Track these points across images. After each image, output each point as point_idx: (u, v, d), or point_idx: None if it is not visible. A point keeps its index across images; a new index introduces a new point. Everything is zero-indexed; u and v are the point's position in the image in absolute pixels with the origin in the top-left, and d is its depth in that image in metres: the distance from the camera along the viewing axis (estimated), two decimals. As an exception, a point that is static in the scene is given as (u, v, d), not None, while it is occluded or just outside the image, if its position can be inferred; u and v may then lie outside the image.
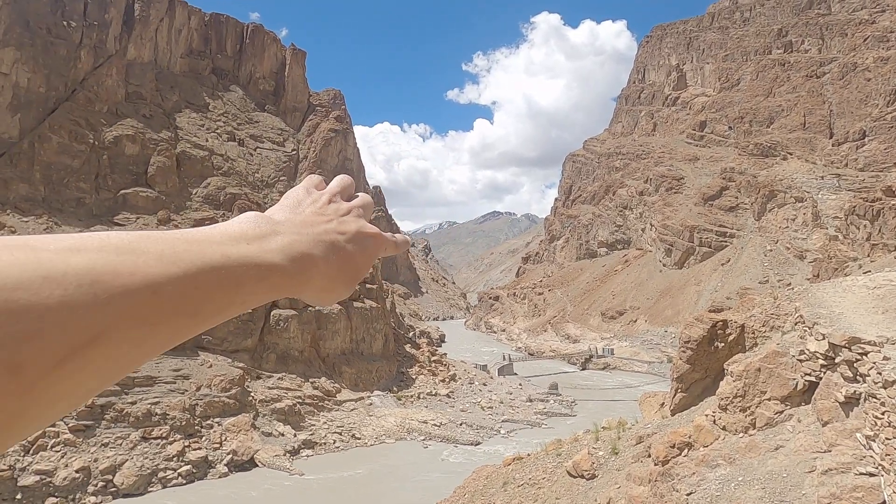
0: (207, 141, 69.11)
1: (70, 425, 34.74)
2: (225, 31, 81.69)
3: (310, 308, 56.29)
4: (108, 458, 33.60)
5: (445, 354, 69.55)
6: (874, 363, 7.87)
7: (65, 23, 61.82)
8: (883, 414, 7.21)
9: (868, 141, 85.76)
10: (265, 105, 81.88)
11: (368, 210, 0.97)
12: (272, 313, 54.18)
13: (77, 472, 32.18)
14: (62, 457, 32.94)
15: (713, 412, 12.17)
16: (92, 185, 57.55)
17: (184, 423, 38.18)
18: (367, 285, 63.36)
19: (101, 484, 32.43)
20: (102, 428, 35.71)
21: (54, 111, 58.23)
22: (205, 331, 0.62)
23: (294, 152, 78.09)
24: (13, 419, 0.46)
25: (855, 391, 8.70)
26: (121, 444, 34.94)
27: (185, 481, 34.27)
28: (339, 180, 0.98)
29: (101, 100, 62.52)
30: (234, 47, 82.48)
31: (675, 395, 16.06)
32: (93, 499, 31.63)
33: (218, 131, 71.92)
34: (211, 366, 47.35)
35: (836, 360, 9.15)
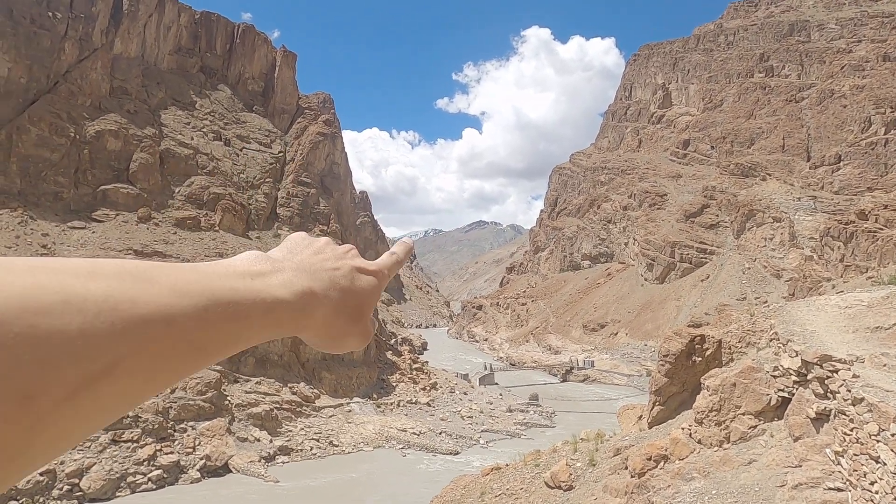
0: (193, 139, 68.19)
1: (36, 426, 33.65)
2: (215, 30, 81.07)
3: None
4: (74, 460, 32.55)
5: (427, 362, 69.24)
6: (844, 381, 8.09)
7: (50, 14, 60.68)
8: (851, 430, 7.40)
9: (843, 165, 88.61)
10: (253, 106, 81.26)
11: (405, 255, 0.99)
12: (252, 316, 53.39)
13: (41, 475, 31.08)
14: (26, 459, 31.82)
15: (689, 425, 12.34)
16: (71, 179, 56.25)
17: (156, 426, 37.22)
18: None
19: (66, 488, 31.37)
20: (70, 429, 34.64)
21: (35, 102, 56.94)
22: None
23: (281, 154, 77.51)
24: (17, 454, 0.43)
25: (825, 407, 8.92)
26: (89, 447, 33.88)
27: (155, 486, 33.35)
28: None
29: (85, 93, 61.36)
30: (223, 46, 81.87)
31: (652, 407, 16.24)
32: (57, 503, 30.58)
33: (204, 130, 71.04)
34: (187, 368, 46.39)
35: (808, 377, 9.37)
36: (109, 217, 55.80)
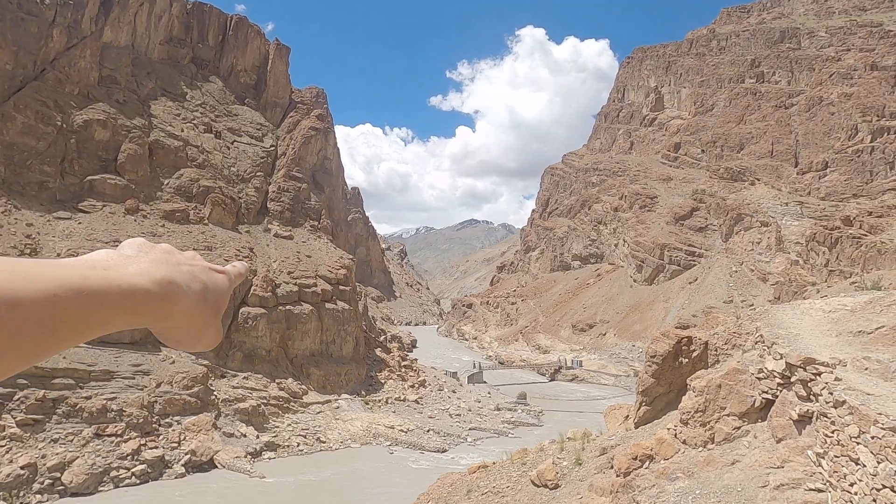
0: (183, 131, 67.34)
1: (18, 419, 33.10)
2: (208, 21, 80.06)
3: (280, 307, 55.29)
4: (57, 454, 32.10)
5: (416, 360, 69.23)
6: (826, 383, 8.22)
7: (38, 0, 59.56)
8: (833, 433, 7.52)
9: (830, 172, 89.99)
10: (245, 98, 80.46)
11: (244, 271, 1.02)
12: (241, 311, 52.98)
13: (22, 468, 30.60)
14: (7, 452, 31.30)
15: (675, 426, 12.47)
16: (57, 169, 55.29)
17: (141, 420, 36.82)
18: (341, 287, 62.70)
19: (47, 482, 30.92)
20: (53, 423, 34.12)
21: (21, 90, 55.85)
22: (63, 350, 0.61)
23: (272, 148, 76.85)
24: None
25: (808, 410, 9.06)
26: (72, 441, 33.43)
27: (138, 481, 33.00)
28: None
29: (73, 81, 60.30)
30: (216, 38, 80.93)
31: (639, 408, 16.38)
32: (38, 497, 30.13)
33: (194, 122, 70.19)
34: (174, 362, 45.91)
35: (792, 380, 9.51)
36: (96, 208, 54.96)
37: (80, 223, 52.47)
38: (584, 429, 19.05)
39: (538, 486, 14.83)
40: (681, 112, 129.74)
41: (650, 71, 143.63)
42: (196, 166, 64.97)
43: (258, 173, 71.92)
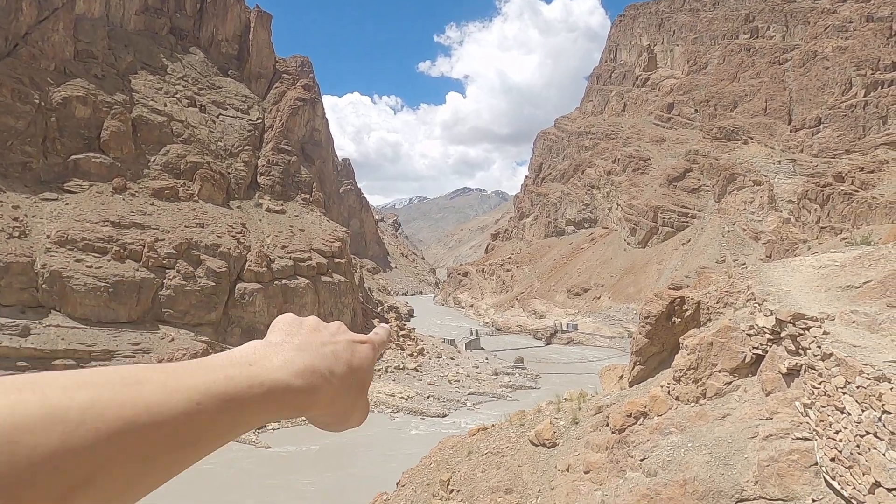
0: (166, 106, 65.61)
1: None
2: (184, -12, 76.90)
3: (276, 281, 55.36)
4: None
5: (414, 329, 70.09)
6: (815, 337, 8.42)
7: (3, -30, 56.71)
8: (820, 384, 7.76)
9: (823, 128, 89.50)
10: (228, 70, 78.13)
11: (387, 336, 0.97)
12: (237, 287, 53.05)
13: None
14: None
15: (668, 383, 12.81)
16: (39, 149, 54.01)
17: (145, 397, 37.35)
18: (336, 259, 62.72)
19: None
20: (57, 403, 34.56)
21: (-6, 67, 53.86)
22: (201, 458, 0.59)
23: (259, 121, 75.20)
24: None
25: (797, 363, 9.31)
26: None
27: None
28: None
29: (47, 56, 58.20)
30: (193, 6, 77.86)
31: (633, 367, 16.77)
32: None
33: (177, 96, 68.30)
34: (173, 339, 46.23)
35: (782, 335, 9.73)
36: (83, 188, 54.05)
37: (67, 204, 51.68)
38: (580, 389, 19.53)
39: (536, 445, 15.31)
40: (674, 71, 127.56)
41: (643, 29, 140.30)
42: (182, 142, 63.67)
43: (246, 147, 70.65)
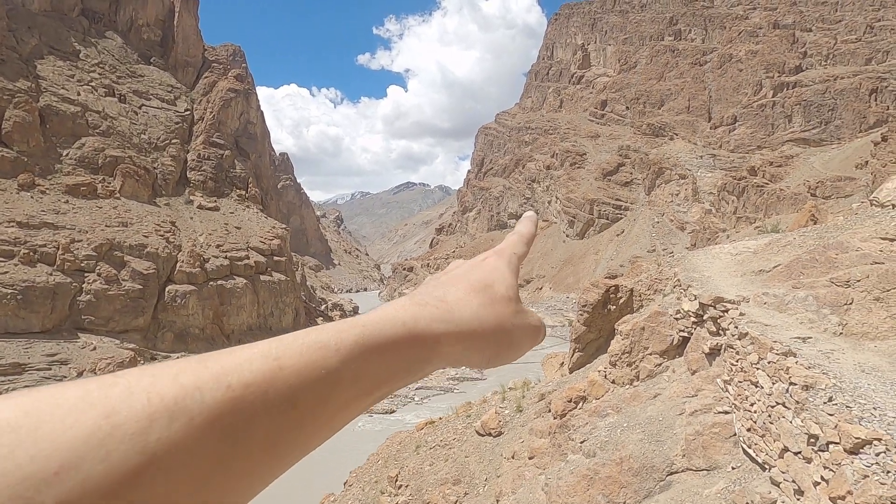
0: (79, 94, 60.15)
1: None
2: (97, -33, 70.58)
3: (211, 282, 52.63)
4: None
5: (359, 326, 68.94)
6: (732, 318, 9.13)
7: None
8: (737, 361, 8.42)
9: (738, 126, 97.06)
10: (151, 57, 72.78)
11: (530, 227, 0.87)
12: (168, 289, 49.89)
13: None
14: None
15: (605, 368, 13.44)
16: (-75, 141, 47.96)
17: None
18: (276, 258, 60.49)
19: None
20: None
21: None
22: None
23: (188, 113, 70.73)
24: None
25: (717, 343, 10.06)
26: None
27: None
28: (527, 228, 0.85)
29: (-67, 37, 51.65)
30: (109, -13, 71.78)
31: (573, 354, 17.46)
32: None
33: (92, 84, 62.79)
34: (95, 348, 42.79)
35: (704, 317, 10.48)
36: (-18, 185, 48.58)
37: (-37, 203, 46.28)
38: (524, 378, 20.08)
39: (483, 436, 15.59)
40: (607, 70, 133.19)
41: (577, 28, 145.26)
42: (100, 134, 58.73)
43: (174, 140, 66.32)
